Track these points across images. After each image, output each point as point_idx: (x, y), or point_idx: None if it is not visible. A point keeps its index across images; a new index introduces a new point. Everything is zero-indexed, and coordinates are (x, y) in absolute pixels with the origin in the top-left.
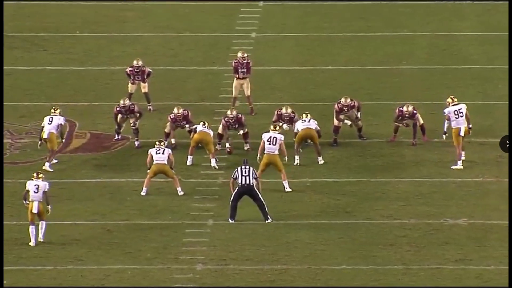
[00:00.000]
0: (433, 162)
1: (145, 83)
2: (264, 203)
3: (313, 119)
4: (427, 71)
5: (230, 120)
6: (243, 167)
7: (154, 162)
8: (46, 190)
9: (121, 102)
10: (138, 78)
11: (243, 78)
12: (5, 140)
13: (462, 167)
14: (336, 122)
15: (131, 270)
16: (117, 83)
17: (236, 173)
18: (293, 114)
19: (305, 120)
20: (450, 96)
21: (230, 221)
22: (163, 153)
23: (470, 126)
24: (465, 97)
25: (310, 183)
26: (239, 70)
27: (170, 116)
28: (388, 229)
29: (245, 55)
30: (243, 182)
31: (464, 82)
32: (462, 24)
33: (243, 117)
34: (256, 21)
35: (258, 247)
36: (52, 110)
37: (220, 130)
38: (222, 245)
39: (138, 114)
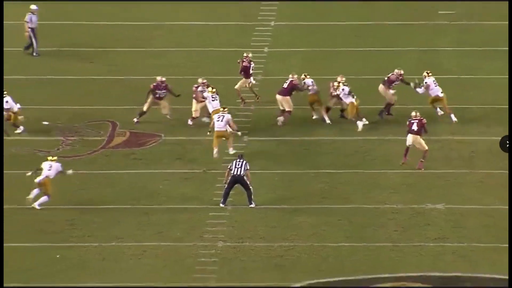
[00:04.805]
0: (418, 157)
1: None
2: (251, 191)
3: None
4: (413, 80)
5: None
6: (237, 160)
7: (215, 129)
8: (61, 170)
9: (158, 78)
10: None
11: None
12: (57, 138)
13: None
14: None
15: (164, 246)
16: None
17: (232, 165)
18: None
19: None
20: (426, 71)
21: (221, 205)
22: (222, 121)
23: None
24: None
25: (314, 174)
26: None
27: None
28: (379, 213)
29: (249, 54)
30: (235, 173)
31: (445, 89)
32: (442, 40)
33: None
34: (269, 38)
35: (270, 227)
36: (50, 157)
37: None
38: (239, 226)
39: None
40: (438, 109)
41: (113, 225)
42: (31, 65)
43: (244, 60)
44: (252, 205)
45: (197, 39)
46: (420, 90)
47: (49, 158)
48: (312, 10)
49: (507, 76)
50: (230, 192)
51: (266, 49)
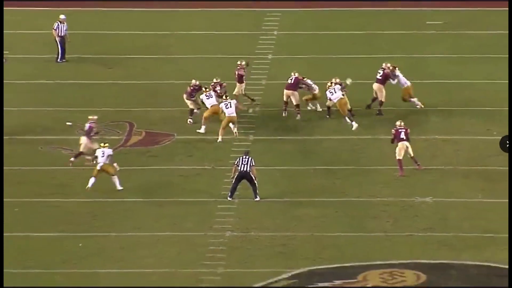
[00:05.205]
0: (406, 156)
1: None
2: (256, 185)
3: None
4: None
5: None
6: (244, 156)
7: (227, 115)
8: (111, 154)
9: (193, 81)
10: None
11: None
12: (78, 137)
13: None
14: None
15: (177, 236)
16: (165, 93)
17: (238, 161)
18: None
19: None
20: (395, 66)
21: (229, 198)
22: (231, 107)
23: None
24: (432, 104)
25: (313, 170)
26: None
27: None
28: (372, 206)
29: (242, 62)
30: (242, 169)
31: (431, 93)
32: (430, 48)
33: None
34: (272, 46)
35: (274, 219)
36: (102, 144)
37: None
38: (245, 218)
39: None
40: (418, 104)
41: (131, 216)
42: (56, 70)
43: (239, 68)
44: (257, 199)
45: (207, 47)
46: (393, 81)
47: (101, 145)
48: (312, 21)
49: (489, 81)
50: (237, 187)
51: (270, 56)
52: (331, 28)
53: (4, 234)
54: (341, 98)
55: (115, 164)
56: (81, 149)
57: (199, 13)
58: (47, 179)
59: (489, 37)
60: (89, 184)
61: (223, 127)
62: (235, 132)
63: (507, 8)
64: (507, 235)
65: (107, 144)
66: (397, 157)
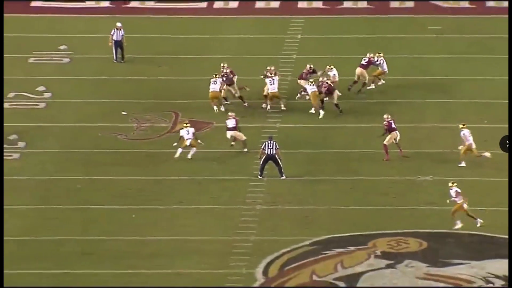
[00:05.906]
0: (409, 140)
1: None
2: (281, 165)
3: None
4: (405, 80)
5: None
6: (269, 141)
7: (270, 91)
8: (194, 132)
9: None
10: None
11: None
12: (131, 125)
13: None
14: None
15: (214, 209)
16: (204, 88)
17: (265, 145)
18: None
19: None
20: (380, 53)
21: (259, 177)
22: (274, 84)
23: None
24: (431, 97)
25: (330, 153)
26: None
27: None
28: (381, 183)
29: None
30: (268, 152)
31: (429, 88)
32: (430, 49)
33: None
34: (296, 47)
35: (296, 194)
36: (184, 124)
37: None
38: (273, 193)
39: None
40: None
41: (175, 192)
42: (114, 68)
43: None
44: (282, 177)
45: (240, 48)
46: (378, 62)
47: (184, 125)
48: (330, 26)
49: (481, 77)
50: (265, 167)
51: (294, 56)
52: (347, 32)
53: (68, 206)
54: (314, 90)
55: (198, 140)
56: (243, 138)
57: (234, 20)
58: (105, 159)
59: (479, 39)
60: (177, 155)
61: (269, 100)
62: (269, 107)
63: (496, 15)
64: (497, 209)
65: (188, 124)
66: (385, 142)
